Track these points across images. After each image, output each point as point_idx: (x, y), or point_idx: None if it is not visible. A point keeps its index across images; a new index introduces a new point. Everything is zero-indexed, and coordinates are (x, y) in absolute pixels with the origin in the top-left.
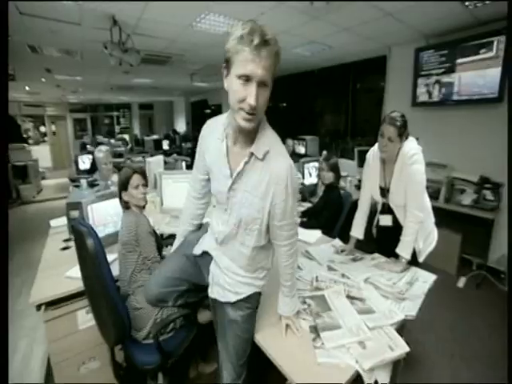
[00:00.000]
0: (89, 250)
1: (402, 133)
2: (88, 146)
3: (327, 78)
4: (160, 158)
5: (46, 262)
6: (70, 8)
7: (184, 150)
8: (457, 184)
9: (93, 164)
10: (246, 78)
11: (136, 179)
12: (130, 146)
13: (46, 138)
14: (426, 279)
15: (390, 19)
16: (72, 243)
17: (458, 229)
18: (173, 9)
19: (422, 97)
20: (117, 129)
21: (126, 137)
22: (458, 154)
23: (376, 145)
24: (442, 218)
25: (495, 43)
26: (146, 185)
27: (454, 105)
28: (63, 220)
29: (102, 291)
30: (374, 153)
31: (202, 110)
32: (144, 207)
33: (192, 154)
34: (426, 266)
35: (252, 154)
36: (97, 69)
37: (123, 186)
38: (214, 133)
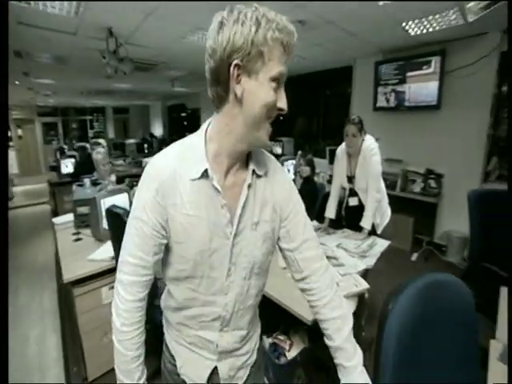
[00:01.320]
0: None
1: (361, 129)
2: (66, 151)
3: (301, 84)
4: None
5: (65, 251)
6: (69, 19)
7: None
8: (409, 175)
9: (76, 167)
10: (279, 80)
11: None
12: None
13: (11, 143)
14: (382, 244)
15: (353, 38)
16: (82, 235)
17: (411, 213)
18: (169, 23)
19: (381, 103)
20: (90, 133)
21: (102, 141)
22: (409, 151)
23: (343, 143)
24: (399, 204)
25: (433, 62)
26: None
27: (406, 110)
28: (66, 217)
29: None
30: (342, 149)
31: (179, 114)
32: None
33: None
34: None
35: (254, 171)
36: (80, 74)
37: None
38: (183, 172)
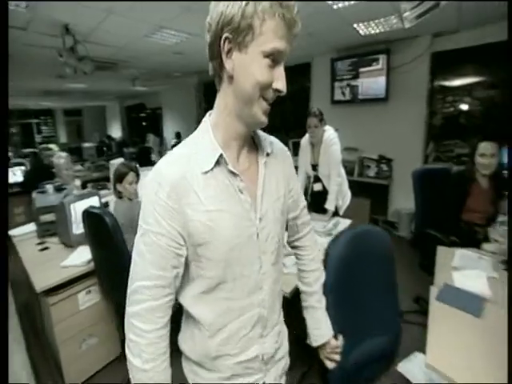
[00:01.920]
0: (108, 227)
1: (321, 120)
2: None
3: None
4: (121, 160)
5: (32, 262)
6: (19, 13)
7: (127, 155)
8: (365, 162)
9: (27, 175)
10: (274, 58)
11: (131, 176)
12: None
13: None
14: (344, 223)
15: (311, 37)
16: (48, 244)
17: (368, 195)
18: (132, 22)
19: (338, 96)
20: (38, 138)
21: (53, 146)
22: (364, 139)
23: (307, 135)
24: (357, 188)
25: (381, 59)
26: (137, 182)
27: (360, 103)
28: (24, 229)
29: (121, 265)
30: (305, 140)
31: (138, 114)
32: (132, 200)
33: (137, 158)
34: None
35: (267, 153)
36: (27, 73)
37: (119, 179)
38: (193, 169)
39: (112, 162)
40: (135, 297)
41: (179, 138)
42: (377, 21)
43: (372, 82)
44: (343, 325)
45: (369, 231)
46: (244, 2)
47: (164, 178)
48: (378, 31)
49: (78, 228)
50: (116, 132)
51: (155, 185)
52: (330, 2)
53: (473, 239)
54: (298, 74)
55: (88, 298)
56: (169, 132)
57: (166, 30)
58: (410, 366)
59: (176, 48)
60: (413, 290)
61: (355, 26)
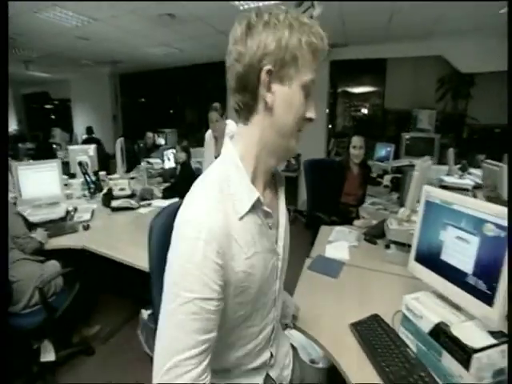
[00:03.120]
0: None
1: (222, 114)
2: None
3: (183, 76)
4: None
5: None
6: None
7: (22, 151)
8: None
9: None
10: (309, 88)
11: None
12: None
13: None
14: None
15: (223, 35)
16: None
17: None
18: None
19: None
20: None
21: None
22: None
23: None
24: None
25: None
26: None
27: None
28: None
29: None
30: (209, 134)
31: (42, 105)
32: None
33: (36, 155)
34: None
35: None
36: None
37: None
38: (230, 214)
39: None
40: (176, 372)
41: (91, 133)
42: None
43: None
44: None
45: None
46: (287, 32)
47: (209, 233)
48: None
49: None
50: (10, 125)
51: (201, 244)
52: (236, 3)
53: (348, 218)
54: (219, 71)
55: None
56: (79, 126)
57: (60, 10)
58: None
59: (78, 32)
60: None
61: None
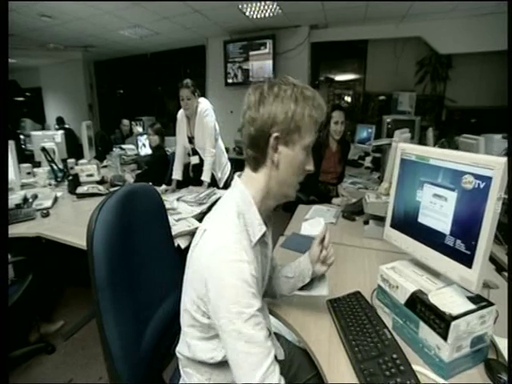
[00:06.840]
0: None
1: (194, 91)
2: None
3: (160, 62)
4: None
5: None
6: None
7: None
8: None
9: None
10: (309, 148)
11: None
12: None
13: None
14: (221, 193)
15: (200, 16)
16: None
17: None
18: None
19: (231, 79)
20: None
21: None
22: None
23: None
24: (243, 164)
25: (268, 44)
26: None
27: (251, 84)
28: None
29: None
30: (181, 113)
31: (12, 97)
32: None
33: None
34: None
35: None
36: None
37: None
38: (245, 244)
39: None
40: (269, 379)
41: (62, 123)
42: (259, 4)
43: (261, 65)
44: (134, 295)
45: (137, 190)
46: (293, 106)
47: (246, 255)
48: (262, 15)
49: None
50: None
51: (245, 265)
52: None
53: (328, 197)
54: (197, 56)
55: None
56: (52, 117)
57: None
58: None
59: (40, 9)
60: None
61: (240, 6)
